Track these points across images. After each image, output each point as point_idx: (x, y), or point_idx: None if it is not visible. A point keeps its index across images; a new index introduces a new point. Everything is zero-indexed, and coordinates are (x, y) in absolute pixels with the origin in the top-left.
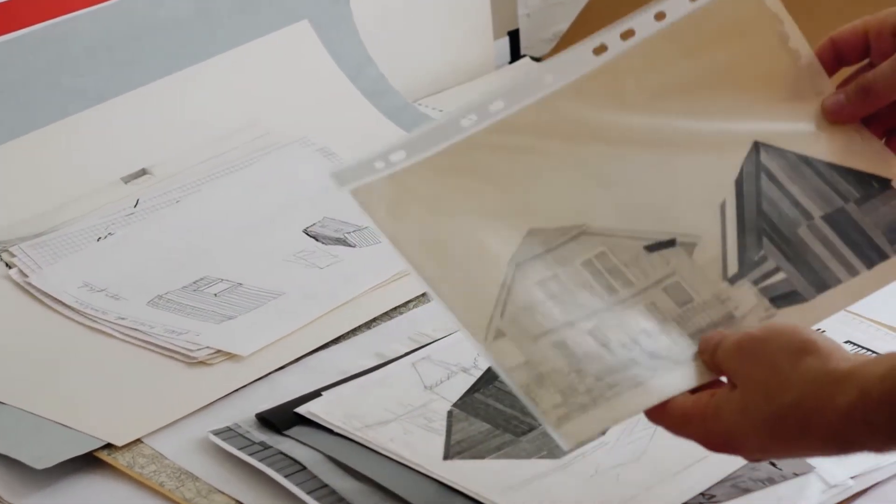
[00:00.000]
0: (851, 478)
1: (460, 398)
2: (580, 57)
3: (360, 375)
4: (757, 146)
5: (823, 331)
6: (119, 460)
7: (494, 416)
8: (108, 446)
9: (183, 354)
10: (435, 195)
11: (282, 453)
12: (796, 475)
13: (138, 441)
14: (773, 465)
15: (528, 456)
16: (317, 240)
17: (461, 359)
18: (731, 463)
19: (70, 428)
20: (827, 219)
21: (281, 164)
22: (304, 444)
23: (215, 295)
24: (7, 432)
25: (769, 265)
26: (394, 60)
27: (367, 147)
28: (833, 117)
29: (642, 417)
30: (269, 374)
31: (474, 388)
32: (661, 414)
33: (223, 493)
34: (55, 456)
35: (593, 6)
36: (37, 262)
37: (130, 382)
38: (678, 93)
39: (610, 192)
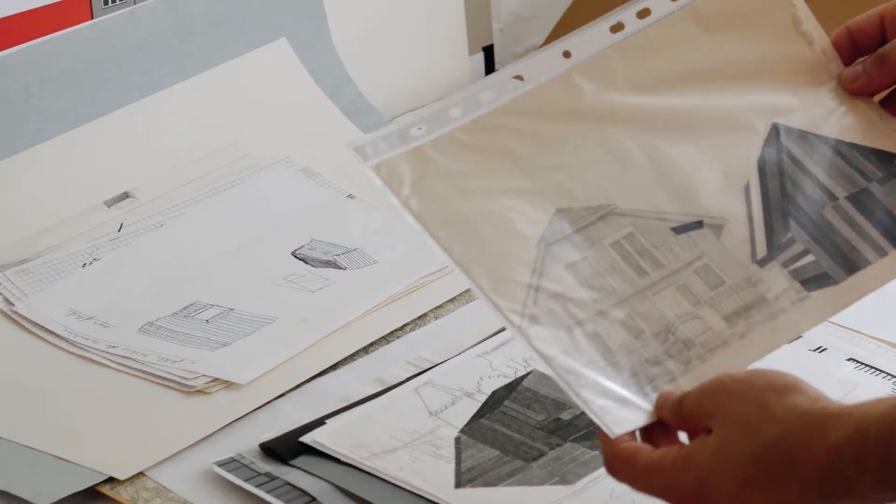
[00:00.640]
0: None
1: (466, 424)
2: (597, 34)
3: (362, 402)
4: (776, 128)
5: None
6: (122, 494)
7: (503, 441)
8: (110, 480)
9: (179, 383)
10: (460, 172)
11: (289, 484)
12: None
13: (141, 474)
14: None
15: (541, 482)
16: (306, 262)
17: (464, 383)
18: None
19: (69, 462)
20: (852, 199)
21: (264, 186)
22: (312, 474)
23: (207, 321)
24: (4, 467)
25: (798, 247)
26: (371, 78)
27: (349, 166)
28: (851, 86)
29: None
30: (270, 401)
31: (480, 414)
32: (624, 466)
33: None
34: (57, 491)
35: (568, 20)
36: (22, 289)
37: (128, 413)
38: (695, 74)
39: (633, 173)
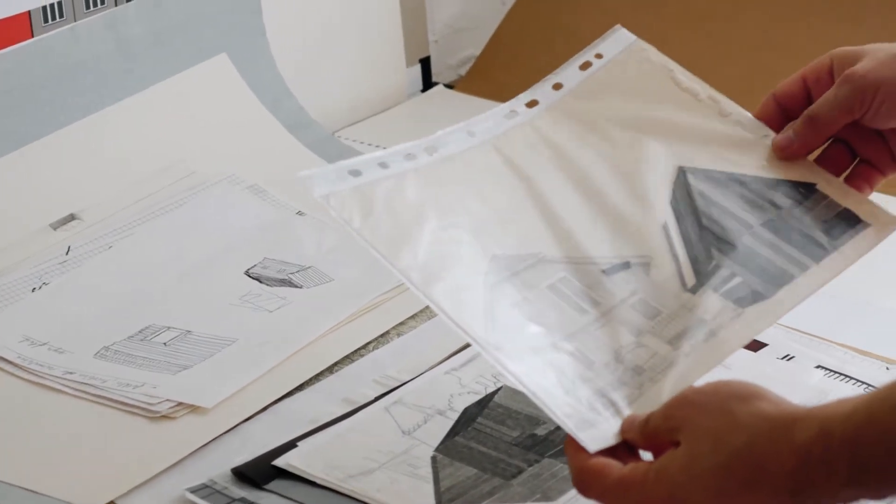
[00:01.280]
0: None
1: (441, 442)
2: (513, 106)
3: (332, 423)
4: (682, 171)
5: None
6: None
7: (480, 459)
8: None
9: (143, 409)
10: (401, 212)
11: None
12: None
13: (112, 503)
14: None
15: (523, 500)
16: (260, 281)
17: (435, 401)
18: None
19: (37, 493)
20: (767, 225)
21: (212, 205)
22: (288, 498)
23: (165, 344)
24: None
25: (725, 272)
26: (311, 92)
27: (295, 182)
28: (785, 153)
29: None
30: (237, 425)
31: (454, 432)
32: (595, 481)
33: None
34: None
35: (503, 32)
36: None
37: (92, 441)
38: (603, 132)
39: (558, 224)
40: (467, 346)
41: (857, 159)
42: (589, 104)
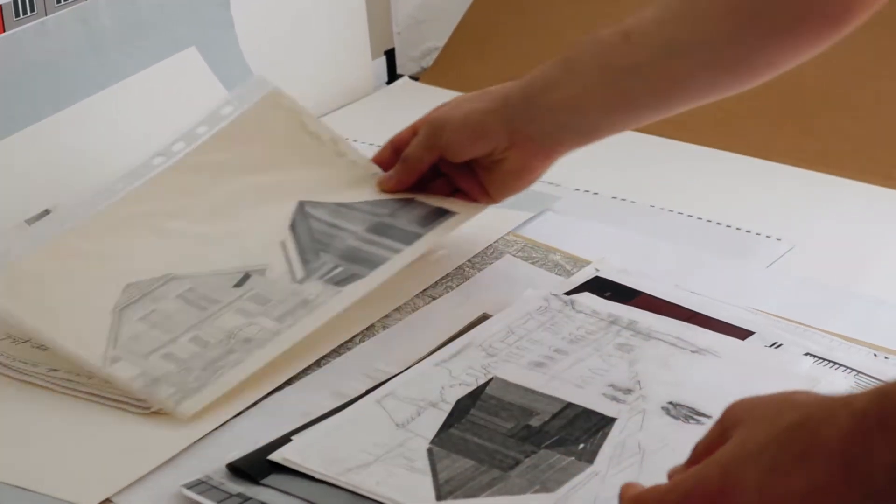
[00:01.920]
0: None
1: (436, 435)
2: (146, 163)
3: (325, 416)
4: (302, 203)
5: None
6: None
7: (476, 451)
8: None
9: (133, 405)
10: (46, 274)
11: None
12: None
13: (107, 501)
14: None
15: (522, 491)
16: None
17: (426, 393)
18: None
19: (32, 491)
20: (370, 230)
21: None
22: (285, 492)
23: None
24: None
25: (329, 266)
26: (278, 84)
27: None
28: (385, 188)
29: (628, 446)
30: (229, 420)
31: (448, 424)
32: (649, 495)
33: None
34: None
35: (467, 23)
36: None
37: (83, 438)
38: (237, 175)
39: (189, 252)
40: (454, 337)
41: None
42: (220, 155)
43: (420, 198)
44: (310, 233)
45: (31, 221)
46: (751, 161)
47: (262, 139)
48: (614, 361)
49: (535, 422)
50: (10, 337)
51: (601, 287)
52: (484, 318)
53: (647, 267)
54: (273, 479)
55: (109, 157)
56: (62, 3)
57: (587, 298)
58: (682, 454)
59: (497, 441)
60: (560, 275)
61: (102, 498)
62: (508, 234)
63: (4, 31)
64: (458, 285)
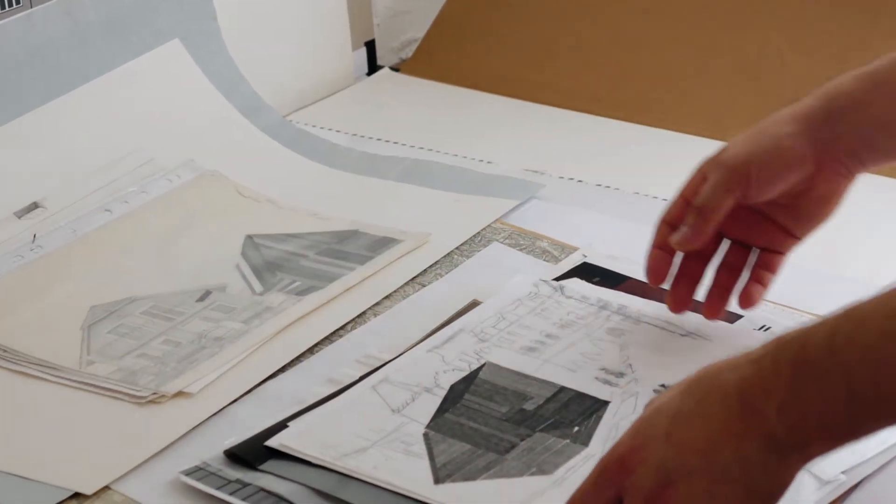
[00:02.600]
0: (842, 473)
1: (432, 419)
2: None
3: (320, 403)
4: (250, 236)
5: None
6: None
7: (472, 435)
8: (76, 496)
9: (129, 394)
10: (15, 295)
11: (264, 490)
12: None
13: (107, 488)
14: None
15: (519, 474)
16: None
17: (420, 378)
18: None
19: (31, 480)
20: (321, 253)
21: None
22: (283, 478)
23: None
24: None
25: (286, 280)
26: (261, 76)
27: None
28: (684, 247)
29: (621, 429)
30: (224, 407)
31: (443, 409)
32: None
33: None
34: None
35: (446, 14)
36: None
37: (80, 427)
38: (183, 223)
39: (148, 277)
40: (445, 324)
41: (758, 252)
42: (164, 214)
43: (364, 229)
44: (262, 257)
45: (20, 214)
46: None
47: (201, 202)
48: (605, 346)
49: (529, 405)
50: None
51: (589, 273)
52: (474, 304)
53: (634, 253)
54: (271, 464)
55: (96, 150)
56: None
57: (576, 284)
58: None
59: (492, 425)
60: (548, 261)
61: (101, 485)
62: (496, 221)
63: None
64: (447, 273)
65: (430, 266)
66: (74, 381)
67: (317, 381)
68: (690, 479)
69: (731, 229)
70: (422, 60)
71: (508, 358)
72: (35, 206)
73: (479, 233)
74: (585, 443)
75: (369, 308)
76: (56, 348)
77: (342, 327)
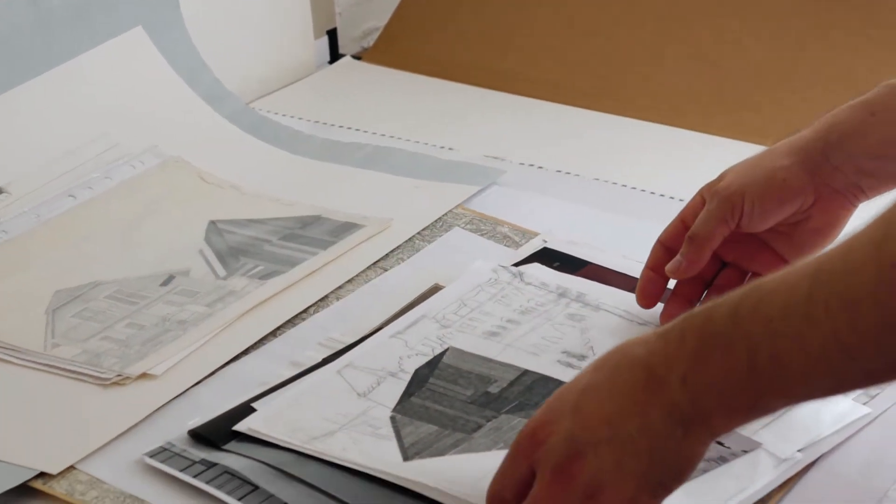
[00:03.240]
0: (798, 451)
1: (398, 403)
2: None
3: (283, 384)
4: (213, 222)
5: None
6: (56, 489)
7: (439, 418)
8: (42, 475)
9: (93, 376)
10: None
11: (228, 472)
12: (745, 452)
13: (72, 468)
14: (721, 444)
15: (487, 449)
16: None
17: (385, 363)
18: None
19: None
20: (284, 238)
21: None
22: (249, 457)
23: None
24: None
25: (250, 265)
26: (223, 64)
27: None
28: (679, 275)
29: None
30: (187, 389)
31: (409, 393)
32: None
33: None
34: None
35: (407, 3)
36: None
37: (46, 409)
38: (146, 209)
39: (112, 262)
40: (409, 307)
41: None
42: (127, 198)
43: (326, 214)
44: (225, 242)
45: None
46: (692, 135)
47: (164, 188)
48: (566, 330)
49: (493, 388)
50: None
51: (549, 258)
52: (436, 289)
53: (594, 238)
54: (235, 445)
55: (60, 137)
56: None
57: (536, 270)
58: None
59: (458, 408)
60: (508, 246)
61: (67, 465)
62: (457, 207)
63: None
64: (408, 257)
65: (392, 251)
66: (39, 363)
67: (280, 364)
68: (598, 449)
69: (728, 253)
70: (383, 49)
71: (471, 343)
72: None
73: (440, 218)
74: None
75: (332, 292)
76: (21, 332)
77: (305, 311)
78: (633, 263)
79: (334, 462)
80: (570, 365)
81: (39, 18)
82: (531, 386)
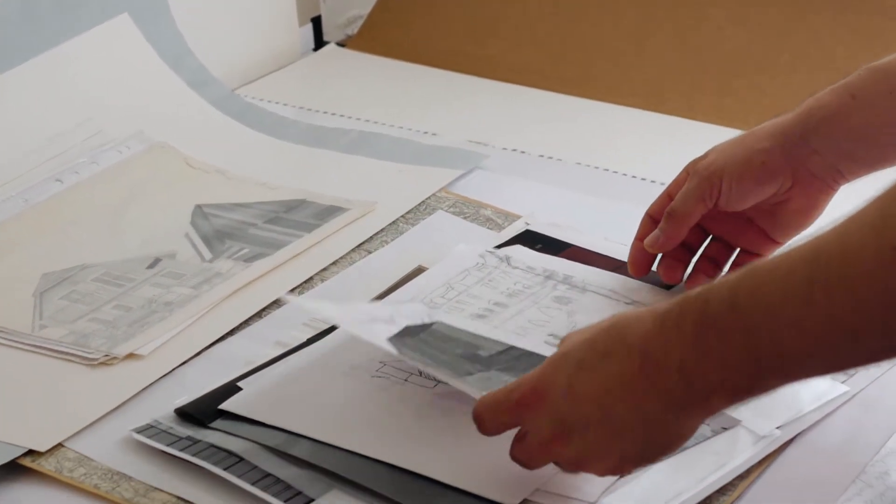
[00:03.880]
0: (777, 428)
1: (391, 338)
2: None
3: (268, 364)
4: (199, 206)
5: None
6: (45, 466)
7: (433, 356)
8: (31, 453)
9: (81, 357)
10: None
11: (214, 446)
12: (725, 429)
13: (60, 445)
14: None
15: (481, 390)
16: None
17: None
18: None
19: None
20: (269, 222)
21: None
22: (233, 434)
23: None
24: None
25: (235, 247)
26: (208, 51)
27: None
28: (655, 249)
29: None
30: (174, 369)
31: (401, 335)
32: (479, 404)
33: (162, 490)
34: None
35: None
36: None
37: (34, 389)
38: (132, 193)
39: (98, 245)
40: (393, 288)
41: (738, 250)
42: (113, 181)
43: (311, 198)
44: (211, 225)
45: None
46: (673, 120)
47: (150, 172)
48: (553, 313)
49: (483, 352)
50: None
51: (532, 240)
52: (419, 270)
53: (576, 221)
54: (221, 423)
55: (46, 123)
56: None
57: (522, 254)
58: None
59: (449, 355)
60: (491, 229)
61: (55, 443)
62: (440, 190)
63: None
64: (392, 240)
65: (376, 233)
66: (27, 344)
67: (265, 344)
68: (587, 430)
69: (714, 227)
70: (367, 36)
71: (459, 323)
72: None
73: (424, 201)
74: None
75: (317, 273)
76: (9, 314)
77: (290, 292)
78: (616, 245)
79: (320, 440)
80: (556, 347)
81: (26, 5)
82: (518, 357)
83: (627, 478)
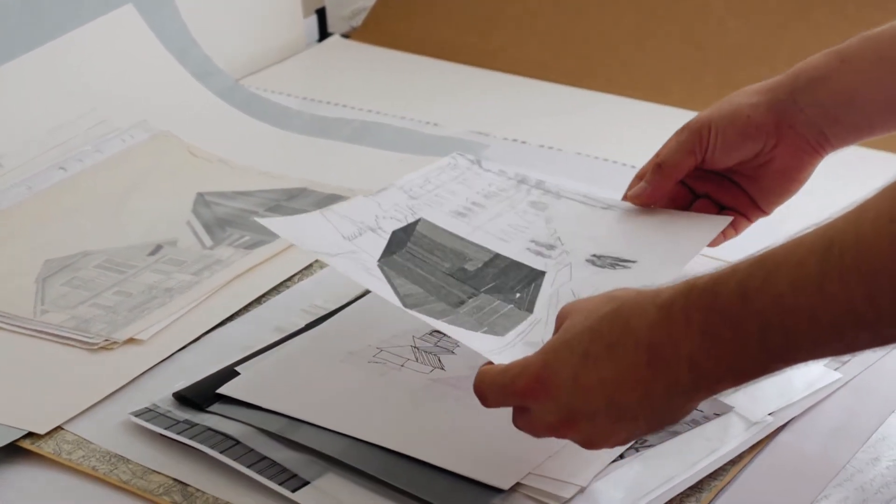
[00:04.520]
0: (769, 414)
1: (382, 257)
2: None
3: (266, 349)
4: (200, 194)
5: None
6: (44, 448)
7: (422, 282)
8: (30, 435)
9: (81, 341)
10: None
11: (211, 429)
12: (717, 415)
13: (59, 428)
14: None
15: (473, 329)
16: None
17: (363, 217)
18: None
19: None
20: (270, 209)
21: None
22: (231, 418)
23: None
24: None
25: (237, 235)
26: (213, 41)
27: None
28: (641, 200)
29: (562, 294)
30: (173, 354)
31: (390, 251)
32: (481, 381)
33: (159, 472)
34: None
35: None
36: None
37: (35, 372)
38: (135, 181)
39: (100, 232)
40: None
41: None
42: (116, 169)
43: (312, 187)
44: (212, 213)
45: None
46: (675, 111)
47: (153, 161)
48: (531, 218)
49: (469, 266)
50: None
51: None
52: None
53: None
54: (218, 406)
55: (50, 112)
56: None
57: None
58: None
59: (438, 277)
60: None
61: (54, 425)
62: None
63: None
64: None
65: None
66: (29, 328)
67: (264, 330)
68: (594, 417)
69: (701, 187)
70: (371, 28)
71: (440, 219)
72: None
73: None
74: (530, 309)
75: (316, 261)
76: (11, 299)
77: (289, 278)
78: None
79: (316, 425)
80: (539, 254)
81: None
82: (505, 269)
83: (619, 462)
